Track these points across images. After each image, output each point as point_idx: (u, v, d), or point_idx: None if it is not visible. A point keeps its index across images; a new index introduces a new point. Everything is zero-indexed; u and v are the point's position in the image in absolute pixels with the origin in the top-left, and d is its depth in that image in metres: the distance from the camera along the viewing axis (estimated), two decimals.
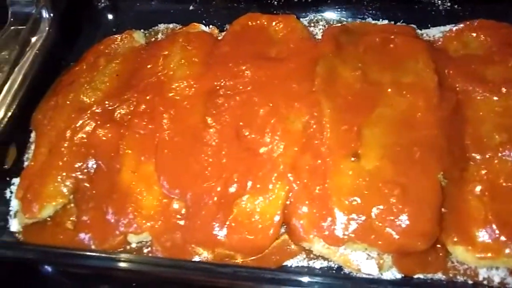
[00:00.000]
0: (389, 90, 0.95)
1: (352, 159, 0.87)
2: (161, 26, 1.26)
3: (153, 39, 1.24)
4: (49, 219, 0.95)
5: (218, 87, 1.00)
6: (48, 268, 1.02)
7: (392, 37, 1.03)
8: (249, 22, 1.12)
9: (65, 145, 0.98)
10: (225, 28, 1.22)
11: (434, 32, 1.12)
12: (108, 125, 0.99)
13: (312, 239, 0.84)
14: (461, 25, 1.07)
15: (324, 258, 0.87)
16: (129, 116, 1.00)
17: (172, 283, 0.94)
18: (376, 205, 0.81)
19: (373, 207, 0.81)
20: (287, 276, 0.80)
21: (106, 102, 1.03)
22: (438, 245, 0.83)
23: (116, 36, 1.20)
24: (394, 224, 0.79)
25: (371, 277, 0.83)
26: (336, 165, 0.86)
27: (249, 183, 0.88)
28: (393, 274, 0.83)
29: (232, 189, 0.88)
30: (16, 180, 1.01)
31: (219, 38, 1.16)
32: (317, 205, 0.84)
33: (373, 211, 0.81)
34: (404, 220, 0.79)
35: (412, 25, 1.11)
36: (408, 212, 0.79)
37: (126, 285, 0.98)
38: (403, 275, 0.83)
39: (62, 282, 1.03)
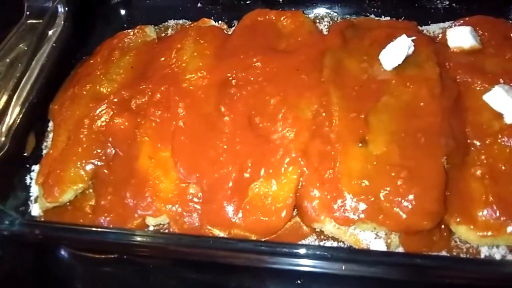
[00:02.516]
0: (393, 81, 1.00)
1: (360, 144, 0.92)
2: (171, 22, 1.31)
3: (163, 34, 1.29)
4: (68, 204, 0.99)
5: (230, 78, 1.05)
6: (65, 254, 1.06)
7: (396, 31, 1.09)
8: (258, 17, 1.17)
9: (84, 132, 1.02)
10: (233, 24, 1.27)
11: (434, 29, 1.18)
12: (125, 114, 1.03)
13: (324, 220, 0.88)
14: (460, 21, 1.13)
15: (335, 239, 0.91)
16: (145, 106, 1.04)
17: (188, 264, 0.99)
18: (384, 187, 0.86)
19: (381, 189, 0.86)
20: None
21: (122, 92, 1.07)
22: (442, 226, 0.88)
23: (128, 31, 1.24)
24: (402, 204, 0.84)
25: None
26: (345, 150, 0.91)
27: (262, 168, 0.93)
28: None
29: (247, 174, 0.92)
30: (35, 167, 1.06)
31: (229, 33, 1.21)
32: (328, 187, 0.89)
33: (381, 192, 0.86)
34: (411, 200, 0.84)
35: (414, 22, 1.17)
36: (414, 193, 0.84)
37: (140, 267, 1.02)
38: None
39: (76, 266, 1.06)
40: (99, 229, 0.88)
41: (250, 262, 0.91)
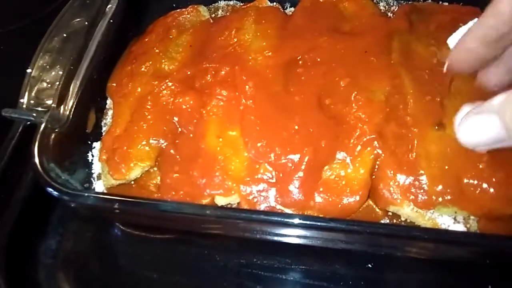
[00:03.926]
0: None
1: (436, 128, 0.90)
2: (222, 3, 1.28)
3: (213, 15, 1.26)
4: (132, 182, 0.97)
5: (297, 58, 1.02)
6: (125, 234, 1.04)
7: (461, 16, 1.07)
8: None
9: (149, 109, 0.99)
10: (285, 7, 1.25)
11: None
12: (189, 92, 1.00)
13: (401, 203, 0.87)
14: None
15: (407, 223, 0.90)
16: (209, 85, 1.01)
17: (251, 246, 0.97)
18: (465, 171, 0.84)
19: (463, 173, 0.84)
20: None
21: (185, 70, 1.05)
22: None
23: (182, 9, 1.21)
24: (485, 189, 0.83)
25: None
26: (422, 133, 0.89)
27: (337, 150, 0.91)
28: None
29: (321, 156, 0.90)
30: (96, 145, 1.03)
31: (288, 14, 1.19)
32: (406, 170, 0.87)
33: (463, 176, 0.84)
34: (494, 184, 0.83)
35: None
36: (498, 177, 0.83)
37: (201, 248, 1.01)
38: None
39: (136, 245, 1.05)
40: (184, 204, 0.86)
41: (323, 243, 0.90)
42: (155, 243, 1.03)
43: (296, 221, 0.79)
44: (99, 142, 1.03)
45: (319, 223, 0.77)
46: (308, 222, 0.77)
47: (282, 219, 0.82)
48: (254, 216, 0.84)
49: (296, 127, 0.93)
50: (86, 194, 0.82)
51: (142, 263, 1.00)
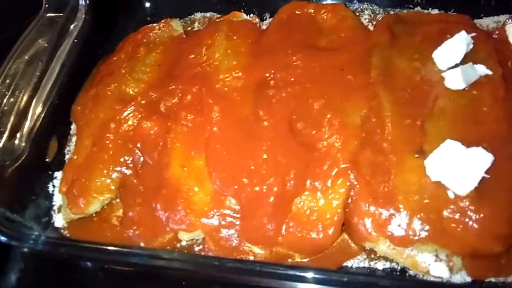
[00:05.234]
0: None
1: (416, 155, 0.82)
2: (198, 15, 1.22)
3: (189, 28, 1.20)
4: (94, 215, 0.92)
5: (268, 79, 0.95)
6: (88, 264, 0.99)
7: (449, 26, 0.99)
8: (295, 11, 1.07)
9: (110, 137, 0.94)
10: (264, 17, 1.18)
11: (487, 22, 1.07)
12: (153, 117, 0.95)
13: (377, 239, 0.80)
14: None
15: (387, 259, 0.83)
16: (175, 108, 0.95)
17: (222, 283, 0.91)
18: (447, 205, 0.77)
19: (444, 207, 0.77)
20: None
21: (150, 93, 0.99)
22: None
23: (153, 24, 1.15)
24: (468, 226, 0.75)
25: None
26: (401, 162, 0.82)
27: (307, 181, 0.84)
28: (462, 277, 0.79)
29: (290, 187, 0.83)
30: (58, 174, 0.98)
31: (262, 27, 1.11)
32: (382, 203, 0.80)
33: (444, 211, 0.77)
34: (479, 221, 0.75)
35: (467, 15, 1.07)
36: (483, 213, 0.75)
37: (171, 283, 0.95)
38: (473, 279, 0.79)
39: (100, 279, 0.99)
40: (127, 250, 0.80)
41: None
42: (123, 276, 0.97)
43: (257, 268, 0.73)
44: (61, 172, 0.97)
45: (277, 271, 0.70)
46: (266, 270, 0.70)
47: (241, 266, 0.77)
48: (213, 263, 0.78)
49: (264, 155, 0.86)
50: (32, 242, 0.76)
51: None
